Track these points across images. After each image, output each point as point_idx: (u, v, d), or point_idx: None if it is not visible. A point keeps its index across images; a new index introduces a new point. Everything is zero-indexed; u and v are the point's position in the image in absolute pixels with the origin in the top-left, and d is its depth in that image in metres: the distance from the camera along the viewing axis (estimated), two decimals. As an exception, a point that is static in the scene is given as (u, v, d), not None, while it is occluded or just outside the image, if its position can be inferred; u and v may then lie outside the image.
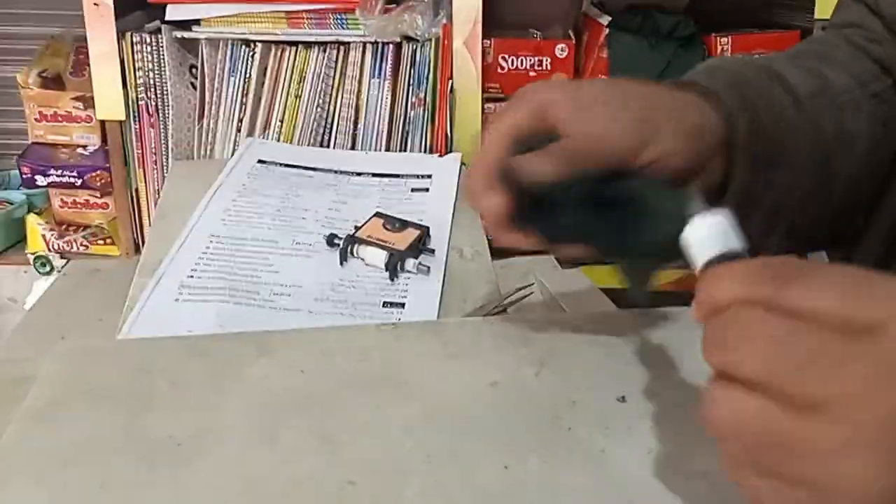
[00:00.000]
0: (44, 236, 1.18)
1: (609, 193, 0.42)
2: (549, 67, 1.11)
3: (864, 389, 0.24)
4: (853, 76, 0.51)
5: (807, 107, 0.48)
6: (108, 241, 1.18)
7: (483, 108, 1.10)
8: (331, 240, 0.70)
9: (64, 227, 1.18)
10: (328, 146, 1.09)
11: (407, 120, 1.11)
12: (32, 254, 1.18)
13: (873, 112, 0.51)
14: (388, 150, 1.10)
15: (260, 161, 0.84)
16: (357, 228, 0.71)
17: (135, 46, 1.08)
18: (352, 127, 1.10)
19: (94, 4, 1.06)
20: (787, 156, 0.47)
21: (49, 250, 1.17)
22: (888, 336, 0.25)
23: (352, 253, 0.70)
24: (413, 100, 1.10)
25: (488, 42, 1.09)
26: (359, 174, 0.84)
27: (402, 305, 0.65)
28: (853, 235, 0.55)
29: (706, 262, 0.33)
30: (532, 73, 1.12)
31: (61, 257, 1.16)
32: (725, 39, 1.08)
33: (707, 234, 0.33)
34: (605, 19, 1.11)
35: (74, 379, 0.46)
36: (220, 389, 0.46)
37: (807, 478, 0.25)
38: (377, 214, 0.72)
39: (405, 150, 1.10)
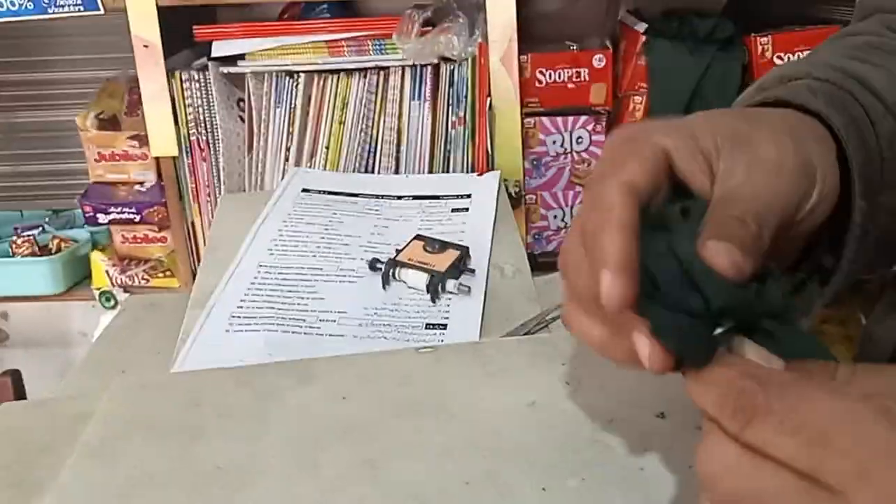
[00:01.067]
0: (107, 272, 1.23)
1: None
2: (587, 78, 1.11)
3: None
4: None
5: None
6: (168, 273, 1.23)
7: (522, 123, 1.11)
8: (373, 264, 0.72)
9: (126, 262, 1.24)
10: (373, 170, 1.12)
11: (448, 139, 1.12)
12: (97, 289, 1.24)
13: None
14: (430, 170, 1.11)
15: (304, 190, 0.86)
16: (398, 252, 0.72)
17: (184, 84, 1.12)
18: (395, 149, 1.12)
19: (144, 46, 1.11)
20: (892, 175, 0.40)
21: (113, 285, 1.22)
22: None
23: (394, 276, 0.71)
24: (453, 119, 1.11)
25: (525, 57, 1.10)
26: (399, 197, 0.85)
27: (445, 326, 0.66)
28: None
29: None
30: (570, 85, 1.12)
31: (124, 291, 1.22)
32: (766, 39, 1.06)
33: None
34: (642, 26, 1.10)
35: (129, 414, 0.49)
36: (265, 419, 0.47)
37: None
38: (417, 237, 0.74)
39: (448, 170, 1.11)
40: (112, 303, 1.20)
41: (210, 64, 1.12)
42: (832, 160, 0.36)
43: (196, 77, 1.12)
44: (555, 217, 1.19)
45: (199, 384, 0.51)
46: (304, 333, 0.65)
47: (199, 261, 1.18)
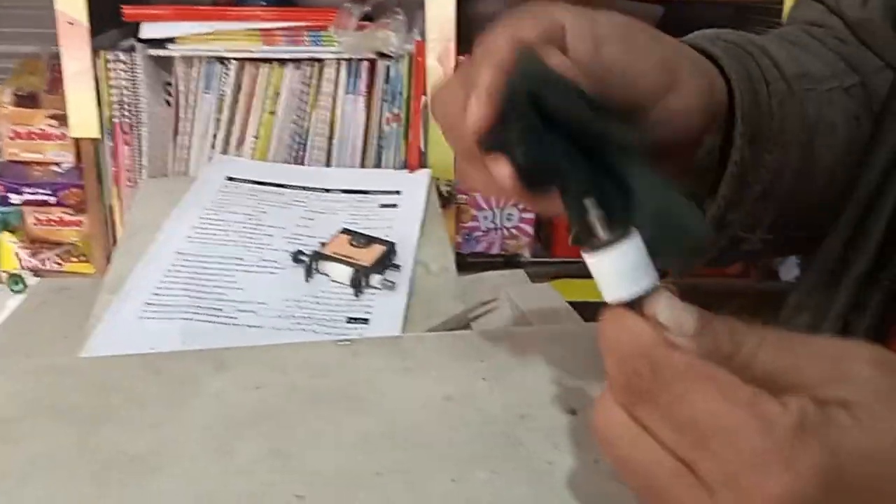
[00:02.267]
0: (17, 254, 1.18)
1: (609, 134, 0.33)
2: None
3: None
4: (828, 66, 0.49)
5: (794, 87, 0.45)
6: (82, 258, 1.19)
7: (456, 124, 1.12)
8: (296, 256, 0.71)
9: (38, 245, 1.19)
10: (303, 162, 1.11)
11: (381, 135, 1.12)
12: (5, 272, 1.19)
13: (846, 106, 0.48)
14: (362, 165, 1.11)
15: (229, 178, 0.85)
16: (323, 245, 0.71)
17: (109, 64, 1.09)
18: (326, 143, 1.12)
19: (69, 23, 1.07)
20: (780, 134, 0.44)
21: (22, 268, 1.17)
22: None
23: (317, 269, 0.70)
24: (387, 115, 1.11)
25: (463, 58, 1.11)
26: (328, 190, 0.85)
27: (367, 321, 0.66)
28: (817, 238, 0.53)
29: (618, 301, 0.30)
30: (504, 90, 1.13)
31: (35, 275, 1.17)
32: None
33: (621, 265, 0.30)
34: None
35: (31, 396, 0.47)
36: (176, 405, 0.46)
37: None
38: (344, 231, 0.73)
39: (379, 166, 1.11)
40: (21, 286, 1.15)
41: (138, 45, 1.09)
42: (704, 84, 0.40)
43: (122, 58, 1.09)
44: (485, 217, 1.21)
45: (108, 369, 0.50)
46: (222, 323, 0.64)
47: (115, 248, 1.15)
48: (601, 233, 0.30)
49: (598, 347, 0.29)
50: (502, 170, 0.35)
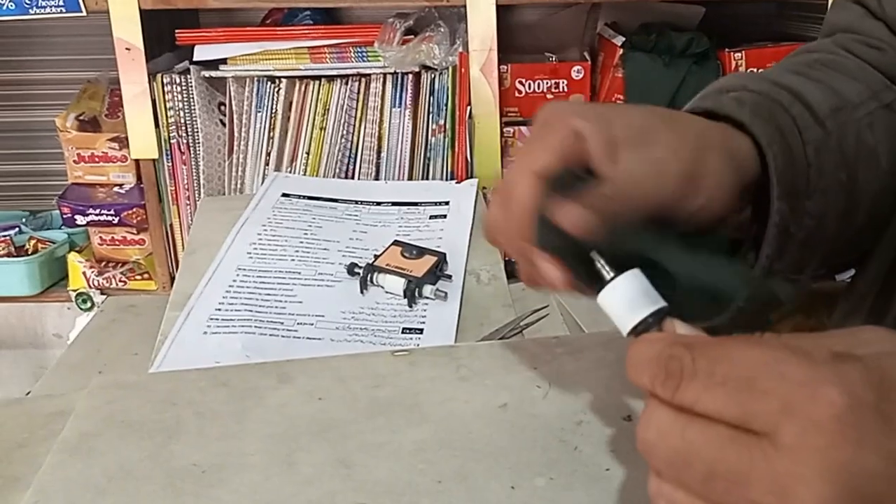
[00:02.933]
0: (84, 273, 1.23)
1: (658, 253, 0.36)
2: (565, 89, 1.13)
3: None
4: (866, 87, 0.49)
5: (829, 126, 0.45)
6: (146, 276, 1.23)
7: (502, 132, 1.13)
8: (351, 269, 0.73)
9: (103, 263, 1.23)
10: (353, 176, 1.13)
11: (428, 147, 1.13)
12: (74, 291, 1.23)
13: (889, 124, 0.48)
14: (410, 177, 1.12)
15: (284, 195, 0.87)
16: (376, 257, 0.73)
17: (165, 87, 1.13)
18: (375, 156, 1.14)
19: (126, 49, 1.11)
20: (819, 182, 0.44)
21: (90, 287, 1.22)
22: (779, 445, 0.25)
23: (371, 281, 0.72)
24: (433, 127, 1.13)
25: (505, 67, 1.12)
26: (378, 203, 0.86)
27: (421, 331, 0.67)
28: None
29: (633, 328, 0.33)
30: (549, 96, 1.14)
31: (101, 293, 1.21)
32: (739, 54, 1.09)
33: (626, 297, 0.33)
34: (620, 39, 1.12)
35: (107, 412, 0.49)
36: (242, 418, 0.48)
37: None
38: (395, 242, 0.75)
39: (427, 177, 1.13)
40: (88, 305, 1.19)
41: (192, 68, 1.13)
42: (730, 174, 0.41)
43: (178, 80, 1.13)
44: (532, 225, 1.21)
45: (177, 384, 0.52)
46: (282, 336, 0.66)
47: (177, 264, 1.19)
48: (605, 273, 0.34)
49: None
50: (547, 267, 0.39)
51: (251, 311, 0.68)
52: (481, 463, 0.44)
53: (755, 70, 1.10)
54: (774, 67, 0.53)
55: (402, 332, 0.67)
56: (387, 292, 0.71)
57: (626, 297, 0.33)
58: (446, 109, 1.12)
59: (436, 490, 0.42)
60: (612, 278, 0.34)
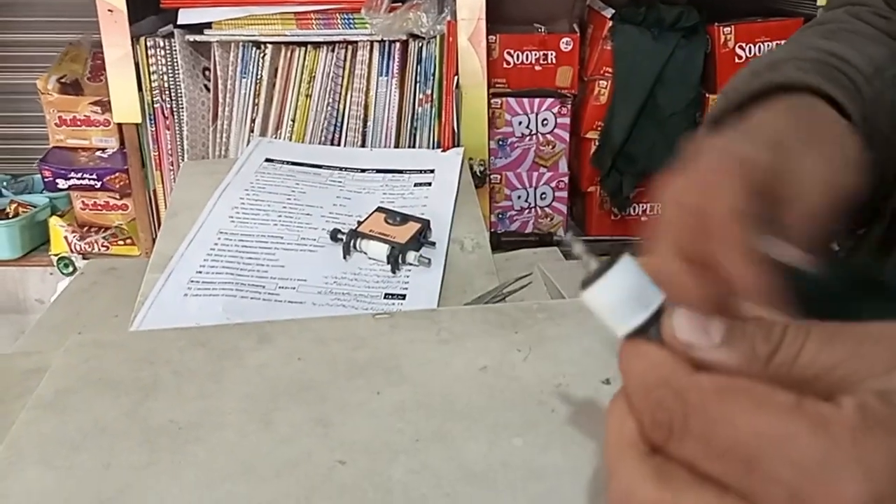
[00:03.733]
0: (66, 238, 1.22)
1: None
2: (554, 61, 1.13)
3: None
4: (888, 51, 0.48)
5: (876, 86, 0.45)
6: (128, 241, 1.22)
7: (489, 103, 1.12)
8: (334, 235, 0.72)
9: (85, 228, 1.22)
10: (339, 144, 1.12)
11: (415, 116, 1.13)
12: (55, 255, 1.22)
13: None
14: (397, 146, 1.12)
15: (267, 160, 0.86)
16: (359, 223, 0.73)
17: (149, 51, 1.11)
18: (361, 125, 1.13)
19: (108, 11, 1.09)
20: (887, 140, 0.43)
21: (71, 251, 1.21)
22: None
23: (355, 247, 0.71)
24: (420, 96, 1.12)
25: (493, 38, 1.11)
26: (363, 170, 0.86)
27: (404, 297, 0.67)
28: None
29: (629, 333, 0.26)
30: (538, 67, 1.13)
31: (83, 258, 1.20)
32: (728, 29, 1.09)
33: (618, 293, 0.26)
34: (609, 12, 1.12)
35: (84, 370, 0.49)
36: (220, 377, 0.48)
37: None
38: (378, 209, 0.74)
39: (413, 146, 1.12)
40: (70, 269, 1.18)
41: (176, 31, 1.11)
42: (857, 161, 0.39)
43: (161, 44, 1.11)
44: (518, 197, 1.21)
45: (155, 343, 0.52)
46: (263, 299, 0.66)
47: (159, 229, 1.18)
48: (591, 264, 0.27)
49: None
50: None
51: (232, 274, 0.68)
52: (459, 423, 0.44)
53: (744, 45, 1.10)
54: (797, 39, 0.52)
55: (385, 298, 0.67)
56: (370, 258, 0.71)
57: (618, 294, 0.26)
58: (433, 79, 1.11)
59: (413, 448, 0.42)
60: (599, 271, 0.26)
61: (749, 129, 0.39)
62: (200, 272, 0.68)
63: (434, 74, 1.11)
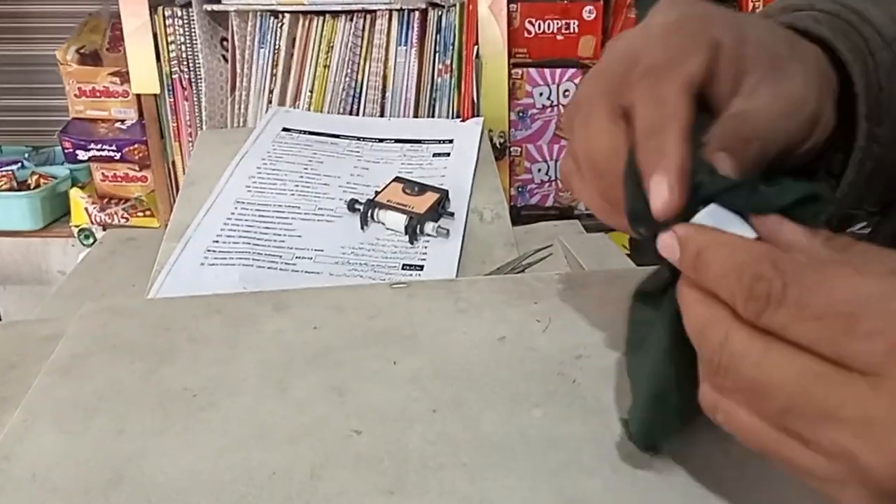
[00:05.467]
0: (86, 209, 1.22)
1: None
2: (576, 30, 1.10)
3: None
4: None
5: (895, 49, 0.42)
6: (148, 213, 1.22)
7: (510, 73, 1.10)
8: (352, 205, 0.72)
9: (105, 200, 1.23)
10: (357, 114, 1.11)
11: (434, 87, 1.11)
12: (76, 226, 1.23)
13: None
14: (415, 117, 1.10)
15: (284, 129, 0.85)
16: (377, 193, 0.72)
17: (167, 21, 1.10)
18: (380, 95, 1.11)
19: (127, -20, 1.08)
20: (890, 105, 0.41)
21: (92, 223, 1.22)
22: (881, 389, 0.23)
23: (372, 217, 0.71)
24: (439, 67, 1.10)
25: (514, 6, 1.09)
26: (381, 140, 0.85)
27: (421, 268, 0.66)
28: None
29: None
30: (559, 37, 1.11)
31: (103, 229, 1.21)
32: (758, -3, 1.06)
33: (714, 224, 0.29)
34: (634, -21, 1.09)
35: (99, 335, 0.48)
36: (236, 344, 0.47)
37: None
38: (397, 179, 0.73)
39: (432, 117, 1.11)
40: (91, 240, 1.19)
41: (194, 1, 1.10)
42: (833, 99, 0.37)
43: (179, 14, 1.11)
44: (539, 170, 1.19)
45: (171, 310, 0.51)
46: (280, 269, 0.65)
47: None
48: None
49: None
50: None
51: (249, 243, 0.67)
52: (478, 393, 0.43)
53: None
54: None
55: (403, 269, 0.66)
56: (387, 229, 0.70)
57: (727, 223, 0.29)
58: (453, 49, 1.09)
59: (430, 418, 0.41)
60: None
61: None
62: (217, 241, 0.67)
63: (453, 44, 1.09)
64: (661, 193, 0.30)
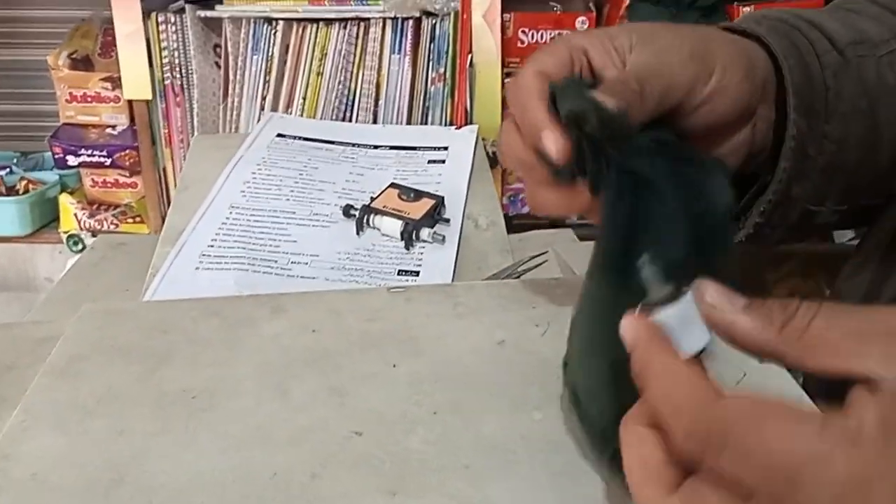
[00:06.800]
0: (76, 215, 1.21)
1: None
2: (569, 41, 1.11)
3: None
4: (888, 29, 0.48)
5: (848, 55, 0.45)
6: (138, 219, 1.21)
7: (503, 83, 1.11)
8: (347, 210, 0.72)
9: (95, 206, 1.22)
10: (350, 122, 1.11)
11: (427, 95, 1.12)
12: (65, 232, 1.22)
13: None
14: (409, 124, 1.11)
15: (279, 135, 0.85)
16: (373, 199, 0.72)
17: (160, 26, 1.10)
18: (373, 103, 1.12)
19: (120, -14, 1.08)
20: (838, 105, 0.43)
21: (81, 229, 1.21)
22: None
23: (368, 223, 0.71)
24: (433, 75, 1.11)
25: (508, 16, 1.09)
26: (376, 147, 0.85)
27: (417, 273, 0.66)
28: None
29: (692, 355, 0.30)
30: (552, 47, 1.12)
31: (93, 236, 1.20)
32: (748, 8, 1.07)
33: (684, 321, 0.31)
34: (626, -10, 1.10)
35: (96, 337, 0.48)
36: (234, 346, 0.47)
37: None
38: (392, 185, 0.73)
39: (426, 125, 1.11)
40: (80, 247, 1.18)
41: (187, 7, 1.10)
42: (741, 61, 0.41)
43: (172, 20, 1.11)
44: (530, 179, 1.20)
45: (168, 312, 0.51)
46: (275, 274, 0.65)
47: (171, 203, 1.17)
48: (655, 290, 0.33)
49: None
50: (583, 196, 0.40)
51: (244, 248, 0.67)
52: (478, 396, 0.43)
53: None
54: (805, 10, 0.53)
55: (399, 274, 0.66)
56: (383, 234, 0.70)
57: (685, 320, 0.31)
58: (447, 57, 1.10)
59: (431, 420, 0.41)
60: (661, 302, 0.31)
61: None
62: (212, 246, 0.67)
63: (447, 52, 1.10)
64: (550, 142, 0.38)
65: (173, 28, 1.10)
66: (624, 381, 0.31)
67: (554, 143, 0.38)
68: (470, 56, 1.07)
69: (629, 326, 0.31)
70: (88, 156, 1.17)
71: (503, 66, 1.10)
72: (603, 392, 0.36)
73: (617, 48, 0.41)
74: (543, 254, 0.71)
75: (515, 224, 1.18)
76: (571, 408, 0.40)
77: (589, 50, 0.41)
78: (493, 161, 1.11)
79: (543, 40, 1.11)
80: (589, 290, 0.39)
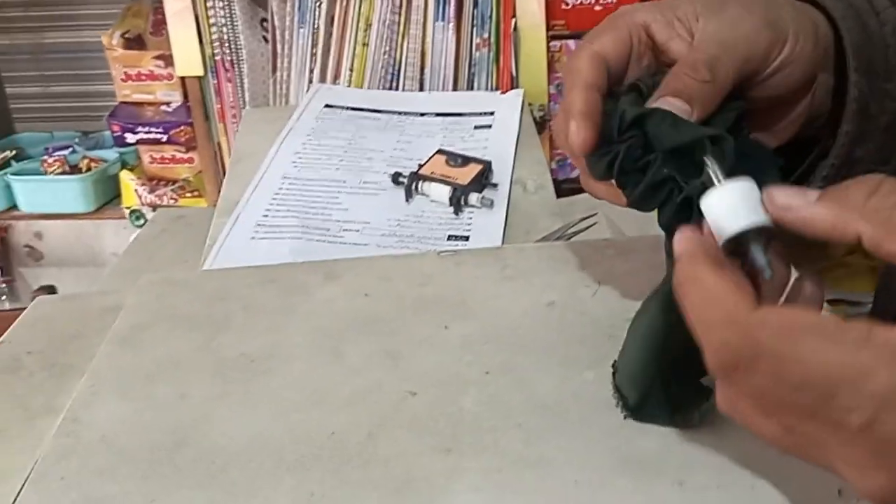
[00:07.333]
0: (136, 191, 1.25)
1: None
2: (615, 1, 1.09)
3: None
4: None
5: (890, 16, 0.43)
6: (196, 193, 1.24)
7: (548, 46, 1.09)
8: (396, 178, 0.72)
9: (154, 182, 1.25)
10: (397, 91, 1.11)
11: (472, 61, 1.11)
12: (127, 208, 1.26)
13: None
14: (455, 91, 1.10)
15: (327, 105, 0.86)
16: (420, 166, 0.72)
17: (208, 3, 1.12)
18: (419, 72, 1.11)
19: (168, -36, 1.10)
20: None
21: (142, 204, 1.24)
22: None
23: (416, 189, 0.71)
24: (477, 41, 1.09)
25: (551, -21, 1.07)
26: (423, 114, 0.85)
27: (467, 238, 0.67)
28: None
29: (731, 236, 0.31)
30: (598, 8, 1.09)
31: (153, 210, 1.23)
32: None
33: (733, 203, 0.31)
34: (676, -55, 1.07)
35: (157, 306, 0.50)
36: (289, 312, 0.48)
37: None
38: (439, 151, 0.74)
39: (471, 91, 1.10)
40: (142, 221, 1.21)
41: (234, -19, 1.11)
42: (809, 27, 0.39)
43: (220, -5, 1.11)
44: (580, 143, 1.18)
45: (225, 281, 0.52)
46: (329, 242, 0.66)
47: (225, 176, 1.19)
48: (715, 177, 0.33)
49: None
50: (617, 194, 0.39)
51: (298, 217, 0.68)
52: (529, 356, 0.43)
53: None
54: None
55: (448, 239, 0.66)
56: (432, 200, 0.71)
57: (747, 199, 0.31)
58: (490, 22, 1.08)
59: (483, 381, 0.42)
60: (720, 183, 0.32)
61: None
62: (266, 216, 0.68)
63: (491, 17, 1.08)
64: (572, 132, 0.37)
65: (221, 4, 1.11)
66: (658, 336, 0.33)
67: (577, 134, 0.37)
68: (514, 20, 1.06)
69: (681, 237, 0.31)
70: (145, 133, 1.20)
71: (548, 28, 1.08)
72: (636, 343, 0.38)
73: (681, 18, 0.39)
74: (593, 215, 0.70)
75: (565, 188, 1.17)
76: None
77: (651, 25, 0.39)
78: (541, 126, 1.10)
79: (589, 2, 1.09)
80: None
